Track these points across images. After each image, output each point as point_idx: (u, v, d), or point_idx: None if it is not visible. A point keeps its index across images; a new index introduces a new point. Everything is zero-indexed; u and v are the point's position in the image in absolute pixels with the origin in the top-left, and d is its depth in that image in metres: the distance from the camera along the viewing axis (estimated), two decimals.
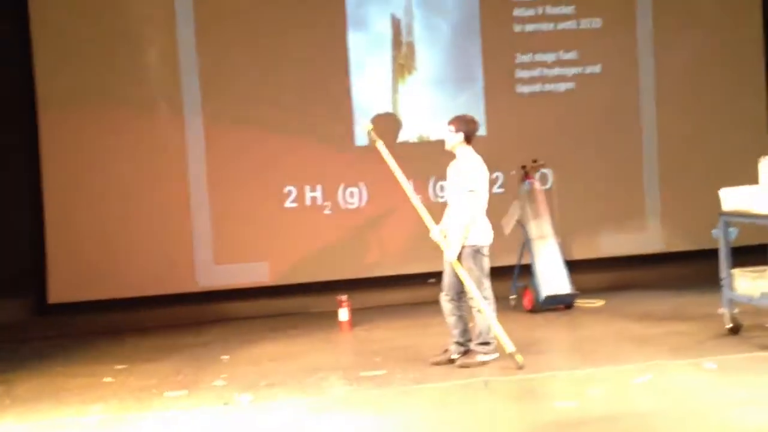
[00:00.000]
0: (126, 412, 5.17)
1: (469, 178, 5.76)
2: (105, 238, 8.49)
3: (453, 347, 5.83)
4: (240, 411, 5.08)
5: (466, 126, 5.89)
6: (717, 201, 6.18)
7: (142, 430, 4.83)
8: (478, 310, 5.70)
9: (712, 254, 6.31)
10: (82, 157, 8.51)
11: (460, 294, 5.79)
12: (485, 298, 5.73)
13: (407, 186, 6.07)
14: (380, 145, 6.06)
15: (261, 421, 4.89)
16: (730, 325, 6.11)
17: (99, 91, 8.51)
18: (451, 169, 5.93)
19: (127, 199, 8.56)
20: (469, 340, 5.82)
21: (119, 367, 6.44)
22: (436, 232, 5.82)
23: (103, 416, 5.06)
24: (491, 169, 8.99)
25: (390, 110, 9.09)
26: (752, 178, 5.98)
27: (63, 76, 8.47)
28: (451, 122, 5.91)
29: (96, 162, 8.54)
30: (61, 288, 8.40)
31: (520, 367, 5.51)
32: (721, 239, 6.10)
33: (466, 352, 5.80)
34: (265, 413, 5.01)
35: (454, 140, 5.88)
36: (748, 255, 6.54)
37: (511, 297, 7.94)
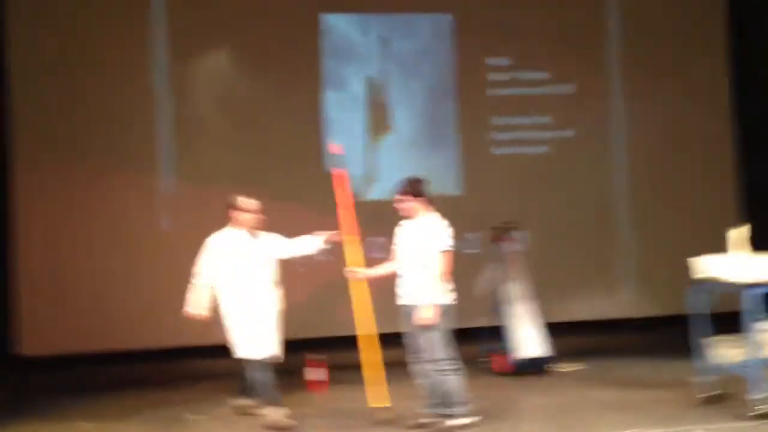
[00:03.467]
0: None
1: (443, 238, 5.75)
2: (74, 293, 8.32)
3: (427, 411, 5.72)
4: None
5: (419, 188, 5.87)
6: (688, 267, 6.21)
7: None
8: (443, 372, 5.61)
9: (686, 319, 6.31)
10: (55, 209, 8.39)
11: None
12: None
13: (349, 222, 6.12)
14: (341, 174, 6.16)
15: None
16: (705, 394, 6.08)
17: (73, 144, 8.43)
18: (408, 231, 5.85)
19: (98, 255, 8.42)
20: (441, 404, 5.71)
21: (86, 425, 6.25)
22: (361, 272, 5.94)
23: None
24: (467, 229, 9.19)
25: (363, 170, 9.10)
26: (723, 245, 6.03)
27: (37, 127, 8.39)
28: (403, 192, 5.83)
29: (69, 215, 8.42)
30: (31, 341, 8.18)
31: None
32: (692, 307, 6.11)
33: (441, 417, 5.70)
34: None
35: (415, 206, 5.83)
36: (724, 322, 6.56)
37: (481, 359, 7.85)
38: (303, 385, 7.32)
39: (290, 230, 8.71)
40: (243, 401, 6.25)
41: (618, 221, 9.47)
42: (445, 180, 9.17)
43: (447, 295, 5.73)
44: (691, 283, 6.14)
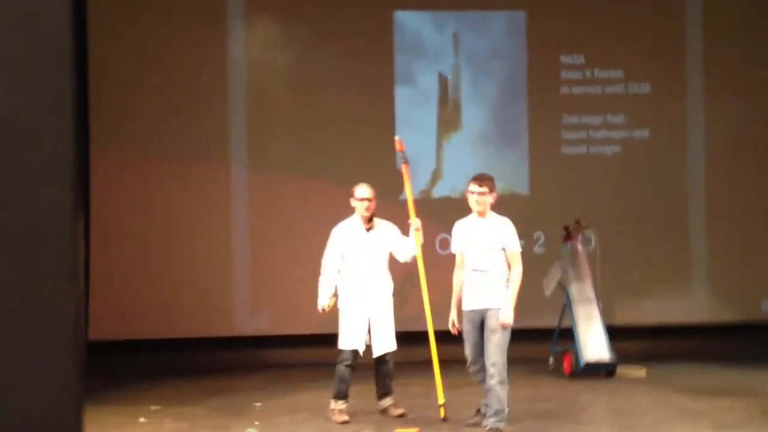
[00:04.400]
0: None
1: (516, 238, 5.64)
2: (147, 280, 8.53)
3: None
4: None
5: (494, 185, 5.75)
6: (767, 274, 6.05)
7: None
8: (503, 377, 5.43)
9: (762, 328, 6.15)
10: (130, 199, 8.62)
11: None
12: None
13: (413, 209, 6.12)
14: (405, 169, 6.22)
15: None
16: None
17: (150, 138, 8.65)
18: (480, 229, 5.63)
19: (170, 243, 8.61)
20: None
21: (154, 408, 6.41)
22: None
23: None
24: (534, 228, 9.12)
25: (433, 165, 9.11)
26: None
27: (117, 121, 8.63)
28: (483, 183, 5.66)
29: (143, 206, 8.63)
30: (102, 326, 8.43)
31: (444, 419, 5.70)
32: None
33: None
34: None
35: (490, 200, 5.69)
36: None
37: (550, 360, 7.79)
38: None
39: None
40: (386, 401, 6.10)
41: (692, 224, 9.23)
42: (514, 178, 9.11)
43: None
44: None
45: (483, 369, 5.48)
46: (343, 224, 6.16)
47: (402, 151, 6.36)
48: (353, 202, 6.11)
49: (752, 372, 6.93)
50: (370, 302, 5.99)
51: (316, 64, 8.93)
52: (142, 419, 6.08)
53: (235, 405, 6.54)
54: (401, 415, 5.95)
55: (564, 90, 9.22)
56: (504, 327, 5.42)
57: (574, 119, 9.22)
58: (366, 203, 6.02)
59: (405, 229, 6.16)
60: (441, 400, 5.83)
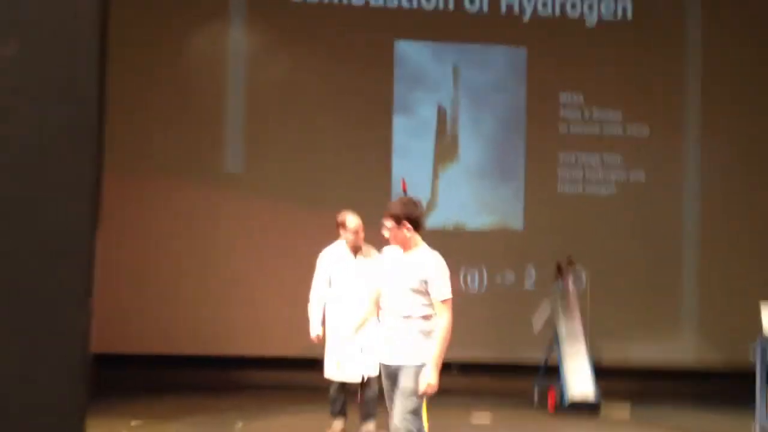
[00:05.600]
0: None
1: (444, 280, 4.40)
2: (133, 297, 8.48)
3: None
4: None
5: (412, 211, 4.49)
6: (757, 319, 6.07)
7: None
8: None
9: (749, 372, 6.15)
10: (134, 218, 8.58)
11: None
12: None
13: None
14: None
15: None
16: None
17: (157, 156, 8.65)
18: (398, 268, 4.47)
19: (159, 261, 8.59)
20: None
21: (134, 423, 6.37)
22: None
23: None
24: (526, 263, 9.14)
25: (429, 196, 9.13)
26: None
27: (112, 138, 8.62)
28: (387, 215, 4.47)
29: (145, 221, 8.61)
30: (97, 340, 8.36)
31: None
32: (757, 362, 5.96)
33: None
34: None
35: (406, 234, 4.47)
36: None
37: (534, 395, 7.78)
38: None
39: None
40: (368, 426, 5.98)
41: (685, 267, 9.26)
42: (508, 213, 9.14)
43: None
44: (759, 335, 5.99)
45: None
46: (329, 249, 6.12)
47: (404, 192, 6.30)
48: (342, 232, 6.07)
49: (736, 416, 6.92)
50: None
51: (314, 89, 8.98)
52: None
53: (216, 424, 6.50)
54: None
55: (562, 128, 9.29)
56: (422, 393, 4.30)
57: (571, 157, 9.27)
58: (354, 236, 6.00)
59: None
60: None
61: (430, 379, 4.26)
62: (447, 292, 4.33)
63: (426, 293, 4.33)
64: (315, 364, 8.45)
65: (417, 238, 4.46)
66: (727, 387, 8.01)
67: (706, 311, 9.12)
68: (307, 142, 8.92)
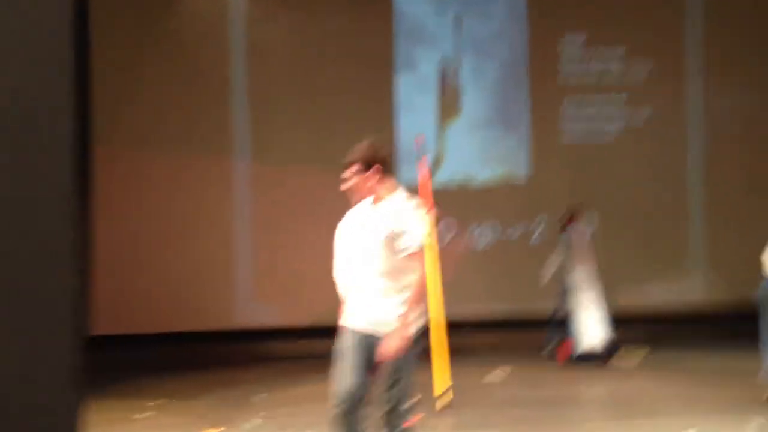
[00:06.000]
0: None
1: (421, 230, 3.82)
2: (147, 274, 8.57)
3: None
4: None
5: (379, 152, 3.92)
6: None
7: None
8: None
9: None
10: (129, 193, 8.64)
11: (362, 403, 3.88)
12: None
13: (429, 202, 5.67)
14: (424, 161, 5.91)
15: None
16: None
17: (152, 129, 8.67)
18: (364, 221, 3.93)
19: (171, 238, 8.65)
20: None
21: (152, 403, 6.45)
22: None
23: None
24: (533, 214, 9.11)
25: (435, 151, 9.09)
26: None
27: (117, 112, 8.64)
28: (350, 162, 3.91)
29: (145, 198, 8.67)
30: (101, 321, 8.49)
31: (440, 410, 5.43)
32: (762, 301, 5.92)
33: None
34: None
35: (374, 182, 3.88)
36: None
37: (547, 347, 7.79)
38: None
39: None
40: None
41: (692, 206, 9.20)
42: (514, 163, 9.10)
43: (420, 316, 3.82)
44: (760, 276, 5.95)
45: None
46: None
47: (419, 147, 6.18)
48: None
49: (750, 355, 6.91)
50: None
51: (317, 52, 8.91)
52: (142, 414, 6.14)
53: (235, 398, 6.59)
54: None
55: (565, 73, 9.17)
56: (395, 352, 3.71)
57: (574, 104, 9.17)
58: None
59: None
60: (438, 391, 5.76)
61: (392, 342, 3.68)
62: (420, 244, 3.74)
63: (401, 249, 3.71)
64: (334, 331, 8.57)
65: (391, 182, 3.87)
66: (740, 327, 7.98)
67: (714, 251, 9.08)
68: (309, 104, 8.88)
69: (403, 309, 3.70)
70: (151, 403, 6.43)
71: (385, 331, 3.71)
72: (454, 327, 8.50)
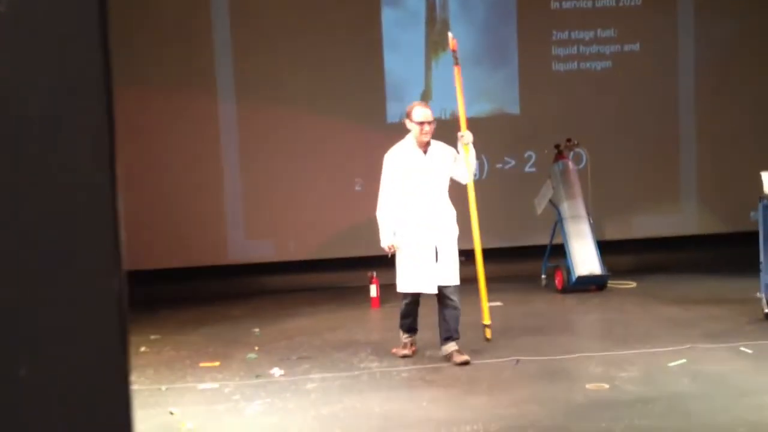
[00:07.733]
0: (161, 383, 5.24)
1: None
2: (140, 211, 8.54)
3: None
4: (272, 384, 5.12)
5: None
6: (756, 183, 6.08)
7: (175, 400, 4.88)
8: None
9: (749, 237, 6.22)
10: (117, 133, 8.53)
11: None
12: None
13: (464, 119, 5.63)
14: (456, 71, 5.63)
15: (292, 394, 4.91)
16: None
17: (135, 71, 8.53)
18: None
19: (161, 174, 8.60)
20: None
21: (154, 337, 6.51)
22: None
23: (137, 387, 5.11)
24: (525, 147, 9.11)
25: (423, 87, 9.03)
26: None
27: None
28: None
29: (132, 139, 8.57)
30: None
31: (488, 340, 5.57)
32: (760, 222, 6.01)
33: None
34: (296, 387, 5.04)
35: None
36: None
37: (542, 276, 7.91)
38: (368, 301, 7.47)
39: (348, 149, 8.82)
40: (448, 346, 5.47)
41: (683, 136, 9.24)
42: (504, 98, 9.06)
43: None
44: (759, 198, 6.02)
45: None
46: (395, 148, 5.50)
47: (455, 51, 5.59)
48: (409, 125, 5.45)
49: (740, 281, 7.03)
50: (435, 231, 5.44)
51: None
52: (142, 348, 6.17)
53: (233, 332, 6.64)
54: (464, 363, 5.31)
55: (554, 5, 9.08)
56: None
57: (564, 35, 9.11)
58: (427, 127, 5.38)
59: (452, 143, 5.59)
60: (486, 320, 5.60)
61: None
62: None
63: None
64: (328, 264, 8.62)
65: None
66: (730, 253, 8.10)
67: (705, 181, 9.15)
68: (295, 44, 8.78)
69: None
70: (151, 338, 6.47)
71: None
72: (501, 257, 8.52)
